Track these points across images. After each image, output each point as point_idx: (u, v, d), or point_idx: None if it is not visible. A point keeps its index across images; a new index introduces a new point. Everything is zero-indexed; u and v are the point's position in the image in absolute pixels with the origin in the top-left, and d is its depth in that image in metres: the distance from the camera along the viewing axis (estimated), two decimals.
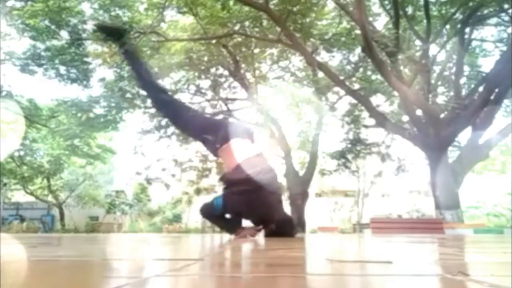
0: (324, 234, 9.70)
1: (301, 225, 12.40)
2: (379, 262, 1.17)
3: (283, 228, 3.38)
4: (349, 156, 14.08)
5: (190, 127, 4.12)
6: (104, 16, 11.70)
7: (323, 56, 12.51)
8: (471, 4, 10.00)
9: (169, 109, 4.19)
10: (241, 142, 3.64)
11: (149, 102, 13.94)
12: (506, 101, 12.18)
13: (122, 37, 4.36)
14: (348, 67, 12.89)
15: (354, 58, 12.79)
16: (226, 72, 13.33)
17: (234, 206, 3.47)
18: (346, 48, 11.96)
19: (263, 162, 3.59)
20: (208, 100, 14.18)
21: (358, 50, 11.83)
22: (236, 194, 3.46)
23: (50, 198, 20.44)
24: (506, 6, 10.40)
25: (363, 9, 8.32)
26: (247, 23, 10.92)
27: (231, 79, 13.45)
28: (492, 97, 10.33)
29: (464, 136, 11.66)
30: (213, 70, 13.48)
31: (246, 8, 9.90)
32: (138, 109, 13.67)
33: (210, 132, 3.80)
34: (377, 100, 12.97)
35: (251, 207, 3.39)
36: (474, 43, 12.96)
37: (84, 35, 12.40)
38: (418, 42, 11.37)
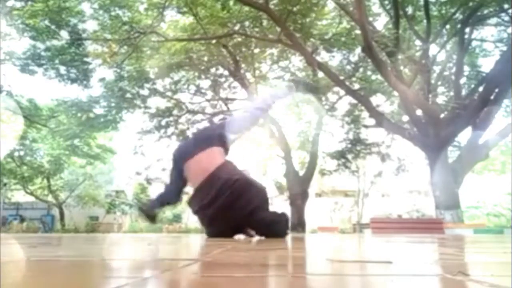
0: (324, 234, 9.70)
1: (301, 225, 12.41)
2: (379, 262, 1.17)
3: (271, 229, 3.03)
4: (349, 156, 14.09)
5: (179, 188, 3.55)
6: (104, 16, 11.70)
7: (323, 56, 12.51)
8: (471, 4, 10.00)
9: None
10: (193, 164, 3.19)
11: (149, 102, 13.99)
12: (506, 101, 12.18)
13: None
14: (348, 67, 12.90)
15: (354, 58, 12.79)
16: (226, 72, 13.34)
17: (210, 235, 3.22)
18: (346, 48, 11.96)
19: (223, 174, 3.06)
20: (208, 100, 14.19)
21: (358, 50, 11.83)
22: (204, 225, 3.29)
23: (50, 198, 20.43)
24: (506, 6, 10.40)
25: (363, 9, 8.33)
26: (247, 23, 10.93)
27: (231, 79, 13.46)
28: (492, 97, 10.33)
29: (464, 136, 11.67)
30: (213, 70, 13.48)
31: (246, 8, 9.91)
32: (138, 109, 13.67)
33: (177, 176, 3.39)
34: (377, 100, 12.97)
35: (223, 230, 3.05)
36: (474, 43, 12.97)
37: (84, 35, 12.40)
38: (418, 42, 11.37)
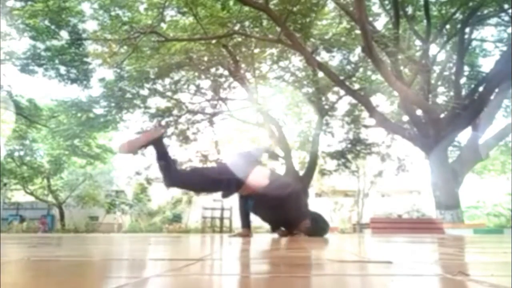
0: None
1: None
2: (379, 262, 1.17)
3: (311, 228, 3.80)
4: (349, 156, 14.09)
5: None
6: (104, 16, 11.70)
7: (323, 56, 12.50)
8: (471, 4, 10.01)
9: None
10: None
11: (149, 102, 13.97)
12: (506, 101, 12.18)
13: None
14: (348, 67, 12.89)
15: (354, 58, 12.78)
16: (226, 72, 13.32)
17: (261, 214, 4.04)
18: (346, 48, 11.95)
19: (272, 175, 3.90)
20: (208, 100, 14.18)
21: (358, 50, 11.82)
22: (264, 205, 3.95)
23: (50, 198, 20.42)
24: (506, 6, 10.41)
25: (363, 9, 8.32)
26: (247, 23, 10.91)
27: (231, 79, 13.45)
28: (492, 97, 10.33)
29: (464, 136, 11.67)
30: (213, 70, 13.47)
31: (246, 8, 9.89)
32: (138, 109, 13.66)
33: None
34: (377, 100, 12.97)
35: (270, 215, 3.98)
36: (474, 43, 12.97)
37: (84, 35, 12.40)
38: (418, 42, 11.37)
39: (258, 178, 3.75)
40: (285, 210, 3.75)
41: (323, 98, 12.88)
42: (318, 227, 3.83)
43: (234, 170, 3.77)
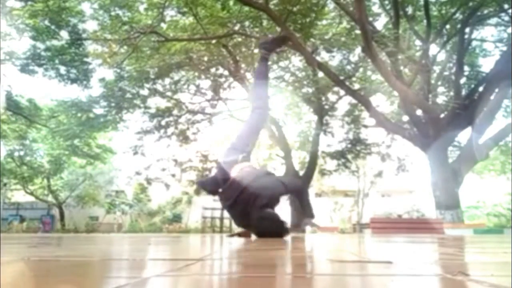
0: (324, 234, 9.69)
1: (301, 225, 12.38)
2: (379, 262, 1.17)
3: (262, 227, 3.38)
4: (349, 156, 14.09)
5: None
6: (104, 16, 11.70)
7: (323, 56, 12.50)
8: (471, 4, 10.01)
9: None
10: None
11: (149, 102, 13.97)
12: (506, 101, 12.18)
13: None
14: (348, 67, 12.89)
15: (354, 58, 12.78)
16: (226, 72, 13.33)
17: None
18: (346, 48, 11.95)
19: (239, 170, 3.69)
20: (208, 100, 14.18)
21: (358, 50, 11.82)
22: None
23: (50, 198, 20.42)
24: (506, 6, 10.41)
25: (363, 9, 8.32)
26: (247, 23, 10.91)
27: (231, 79, 13.45)
28: (492, 97, 10.33)
29: (464, 136, 11.67)
30: (213, 70, 13.47)
31: (246, 8, 9.89)
32: (138, 109, 13.66)
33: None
34: (377, 100, 12.97)
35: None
36: (474, 43, 12.97)
37: (84, 35, 12.40)
38: (418, 42, 11.36)
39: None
40: (238, 212, 3.61)
41: (323, 98, 12.88)
42: (267, 228, 3.36)
43: (225, 168, 3.73)
